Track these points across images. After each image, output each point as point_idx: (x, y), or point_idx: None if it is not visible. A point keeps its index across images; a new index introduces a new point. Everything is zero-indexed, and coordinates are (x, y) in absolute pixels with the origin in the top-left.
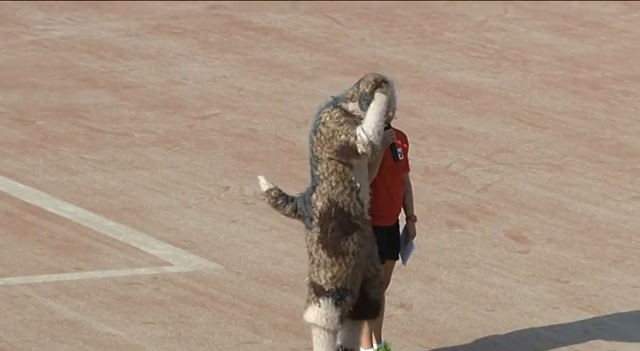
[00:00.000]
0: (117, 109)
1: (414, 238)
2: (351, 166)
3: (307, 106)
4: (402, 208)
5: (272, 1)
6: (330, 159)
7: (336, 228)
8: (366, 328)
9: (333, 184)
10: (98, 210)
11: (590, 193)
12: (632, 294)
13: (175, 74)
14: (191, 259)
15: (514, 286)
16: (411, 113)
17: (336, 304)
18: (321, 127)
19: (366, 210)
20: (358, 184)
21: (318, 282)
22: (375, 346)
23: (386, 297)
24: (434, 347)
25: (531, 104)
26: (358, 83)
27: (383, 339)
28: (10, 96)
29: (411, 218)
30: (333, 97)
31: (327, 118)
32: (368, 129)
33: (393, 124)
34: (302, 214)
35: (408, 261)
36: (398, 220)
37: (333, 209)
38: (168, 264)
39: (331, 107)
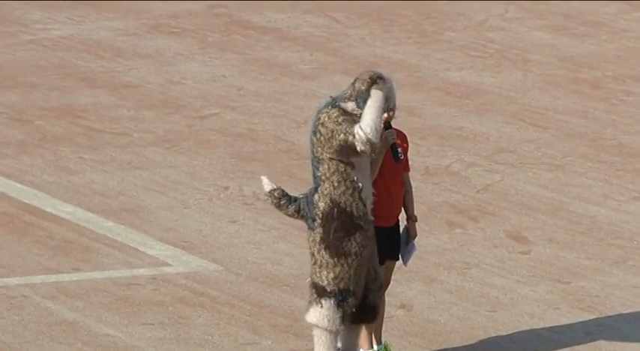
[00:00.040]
0: (116, 109)
1: (414, 238)
2: (352, 166)
3: (307, 106)
4: (403, 209)
5: (272, 1)
6: (331, 159)
7: (338, 228)
8: (366, 329)
9: (335, 185)
10: (97, 210)
11: (591, 194)
12: (634, 295)
13: (174, 74)
14: (190, 260)
15: (515, 286)
16: (411, 113)
17: (338, 305)
18: (320, 127)
19: (368, 210)
20: (360, 184)
21: (320, 283)
22: (375, 347)
23: (386, 298)
24: (434, 348)
25: (532, 104)
26: (354, 82)
27: (383, 340)
28: (8, 96)
29: (411, 218)
30: (331, 97)
31: (326, 119)
32: (366, 127)
33: (393, 123)
34: (305, 214)
35: (409, 262)
36: (398, 220)
37: (336, 209)
38: (168, 264)
39: (329, 107)
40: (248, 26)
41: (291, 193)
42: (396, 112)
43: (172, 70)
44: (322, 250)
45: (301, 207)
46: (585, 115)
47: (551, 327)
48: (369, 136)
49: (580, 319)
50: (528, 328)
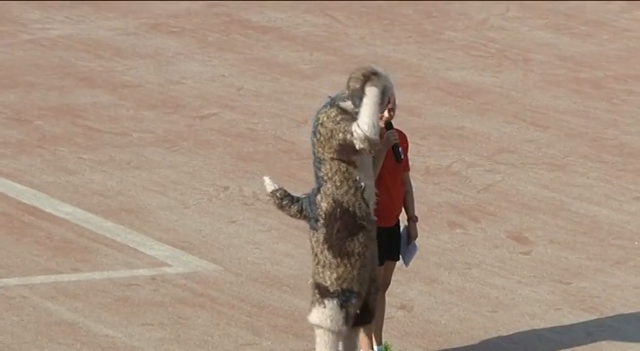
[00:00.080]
0: (115, 109)
1: (415, 239)
2: (354, 166)
3: (307, 106)
4: (403, 209)
5: (271, 0)
6: (332, 159)
7: (341, 228)
8: (366, 330)
9: (338, 184)
10: (96, 210)
11: (592, 194)
12: (635, 295)
13: (174, 73)
14: (190, 260)
15: (516, 287)
16: (411, 113)
17: (341, 306)
18: (319, 127)
19: (371, 210)
20: (363, 184)
21: (324, 283)
22: (375, 348)
23: (386, 298)
24: (435, 349)
25: (533, 104)
26: (348, 81)
27: (383, 341)
28: (7, 95)
29: (412, 219)
30: (330, 97)
31: (325, 118)
32: (363, 124)
33: (393, 123)
34: (307, 214)
35: (410, 263)
36: (398, 220)
37: (339, 210)
38: (167, 265)
39: (328, 107)
40: (248, 26)
41: (293, 194)
42: (397, 112)
43: (172, 70)
44: (325, 250)
45: (303, 207)
46: (586, 114)
47: (552, 328)
48: (367, 134)
49: (581, 320)
50: (529, 328)
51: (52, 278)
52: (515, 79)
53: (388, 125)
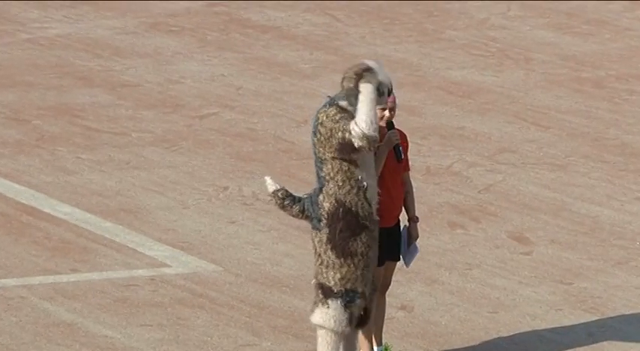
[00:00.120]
0: (114, 109)
1: (416, 239)
2: (356, 165)
3: (307, 105)
4: (404, 209)
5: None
6: (333, 158)
7: (344, 228)
8: (366, 331)
9: (340, 184)
10: (95, 211)
11: (593, 194)
12: (637, 296)
13: (173, 73)
14: (189, 261)
15: (517, 287)
16: (412, 112)
17: (345, 306)
18: (319, 127)
19: (374, 210)
20: (365, 183)
21: (327, 283)
22: (375, 348)
23: (387, 299)
24: (435, 350)
25: (534, 103)
26: (342, 81)
27: (384, 341)
28: (5, 95)
29: (413, 219)
30: (329, 97)
31: (324, 118)
32: (361, 122)
33: (394, 122)
34: (309, 214)
35: (411, 263)
36: (399, 220)
37: (341, 209)
38: (166, 265)
39: (328, 106)
40: (247, 25)
41: (295, 194)
42: (397, 112)
43: (171, 69)
44: (329, 250)
45: (305, 207)
46: (588, 114)
47: (553, 328)
48: (365, 131)
49: (582, 321)
50: (530, 329)
51: (50, 279)
52: (516, 78)
53: (389, 125)
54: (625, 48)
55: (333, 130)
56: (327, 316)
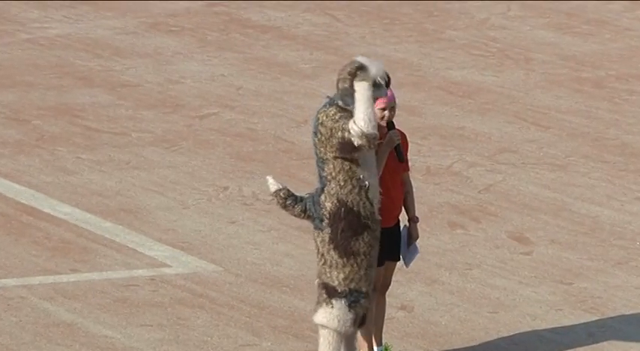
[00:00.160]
0: (114, 109)
1: (416, 240)
2: (357, 164)
3: (307, 106)
4: (404, 209)
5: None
6: (335, 158)
7: (345, 228)
8: (366, 331)
9: (342, 184)
10: (95, 211)
11: (593, 194)
12: (637, 296)
13: (173, 73)
14: (189, 261)
15: (517, 287)
16: (412, 112)
17: (350, 306)
18: (320, 127)
19: (375, 209)
20: (367, 183)
21: (331, 283)
22: (375, 348)
23: (387, 299)
24: (435, 350)
25: (534, 103)
26: (337, 82)
27: (383, 341)
28: (5, 95)
29: (413, 220)
30: (329, 97)
31: (324, 118)
32: (359, 120)
33: (394, 122)
34: (311, 214)
35: (411, 264)
36: (399, 220)
37: (343, 209)
38: (166, 265)
39: (327, 106)
40: (247, 25)
41: (296, 193)
42: (397, 112)
43: (171, 69)
44: (332, 250)
45: (307, 207)
46: (588, 114)
47: (553, 328)
48: (364, 129)
49: (582, 321)
50: (530, 329)
51: (50, 279)
52: (516, 78)
53: (390, 125)
54: (625, 48)
55: (334, 130)
56: (331, 315)
